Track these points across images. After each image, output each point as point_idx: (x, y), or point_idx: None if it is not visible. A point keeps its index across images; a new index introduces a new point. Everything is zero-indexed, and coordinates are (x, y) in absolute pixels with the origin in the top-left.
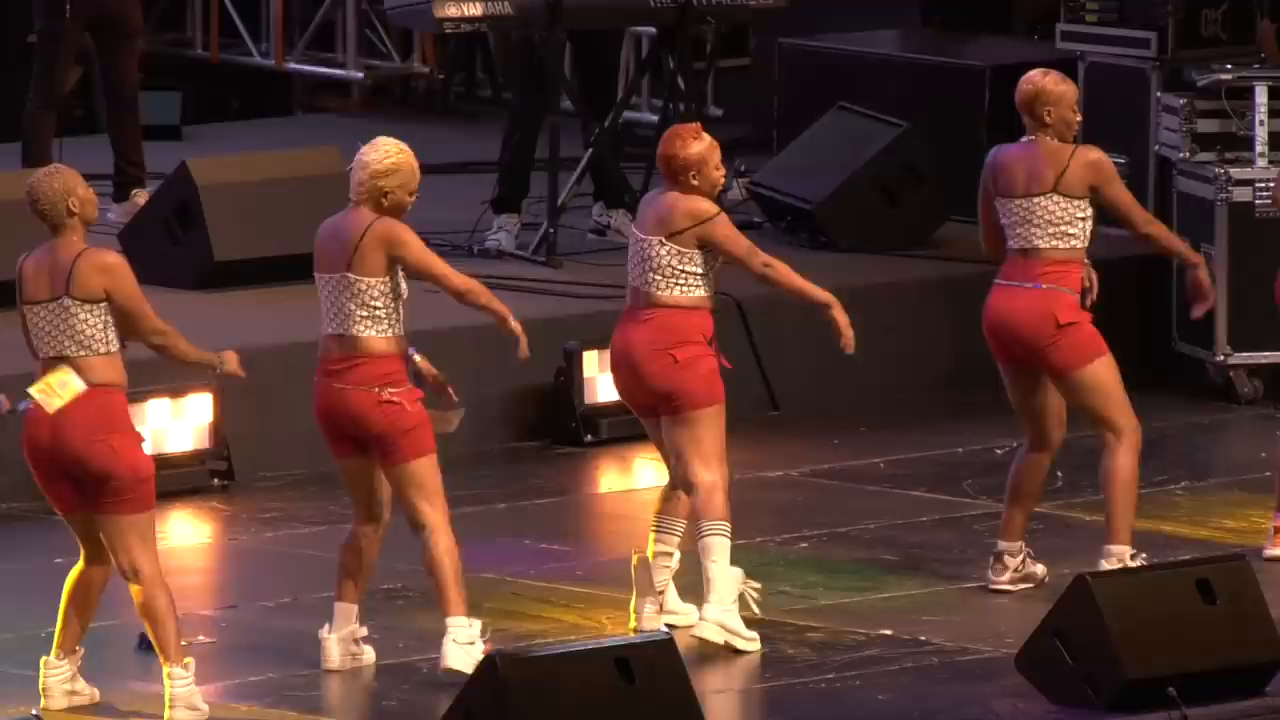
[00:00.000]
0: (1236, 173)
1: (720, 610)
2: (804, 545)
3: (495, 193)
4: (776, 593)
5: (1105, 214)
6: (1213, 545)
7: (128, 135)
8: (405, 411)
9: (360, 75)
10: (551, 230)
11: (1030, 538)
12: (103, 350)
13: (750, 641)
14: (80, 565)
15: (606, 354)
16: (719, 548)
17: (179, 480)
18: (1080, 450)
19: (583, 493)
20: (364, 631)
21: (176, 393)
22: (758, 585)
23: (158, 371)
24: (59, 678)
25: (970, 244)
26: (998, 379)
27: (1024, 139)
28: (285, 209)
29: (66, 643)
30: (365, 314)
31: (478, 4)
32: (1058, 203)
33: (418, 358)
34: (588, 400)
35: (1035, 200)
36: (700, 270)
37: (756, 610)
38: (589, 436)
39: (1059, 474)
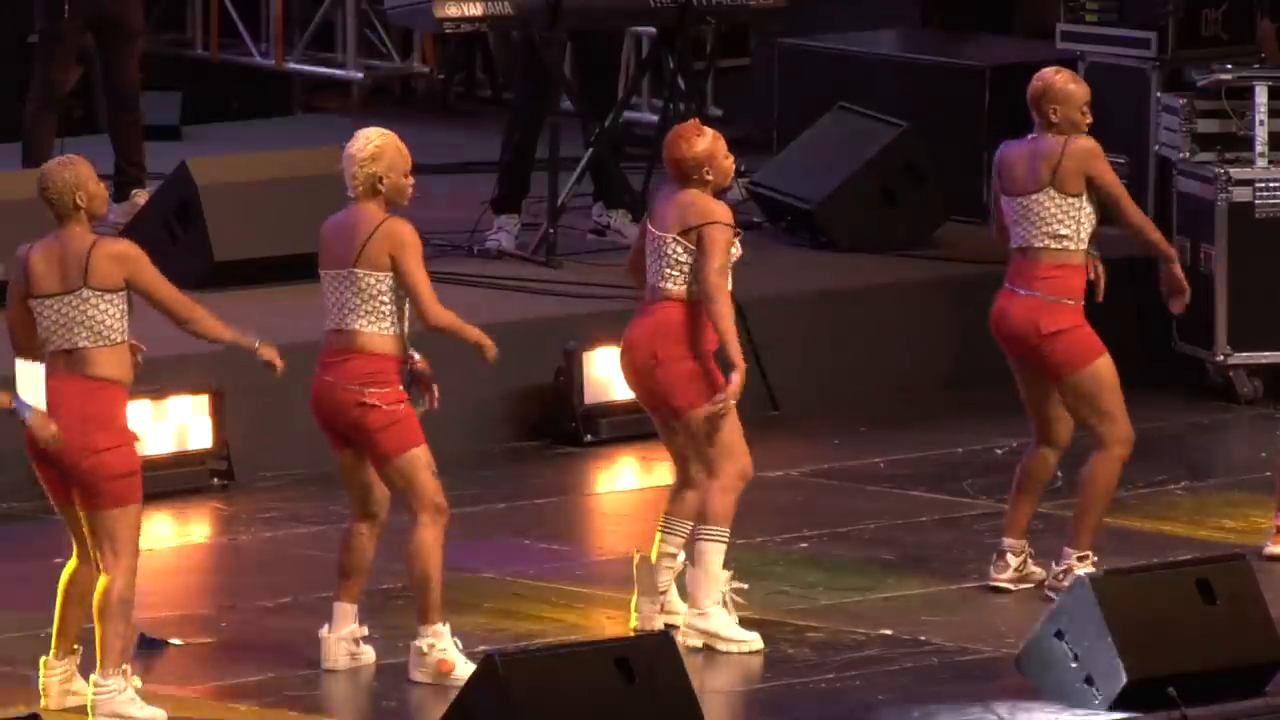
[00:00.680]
0: (1236, 173)
1: (694, 615)
2: (804, 545)
3: (495, 193)
4: (776, 593)
5: (1105, 214)
6: (1213, 545)
7: (128, 135)
8: (379, 411)
9: (360, 75)
10: (551, 230)
11: (1030, 538)
12: (117, 339)
13: (744, 643)
14: (73, 563)
15: (607, 354)
16: (706, 553)
17: (179, 480)
18: (1080, 450)
19: (583, 493)
20: (364, 631)
21: (176, 393)
22: (744, 585)
23: (158, 372)
24: (58, 677)
25: (970, 244)
26: (998, 379)
27: (1030, 135)
28: (285, 209)
29: (64, 642)
30: (369, 309)
31: (478, 4)
32: (1052, 198)
33: (417, 356)
34: (588, 400)
35: (1031, 198)
36: None
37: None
38: (589, 436)
39: (1059, 474)
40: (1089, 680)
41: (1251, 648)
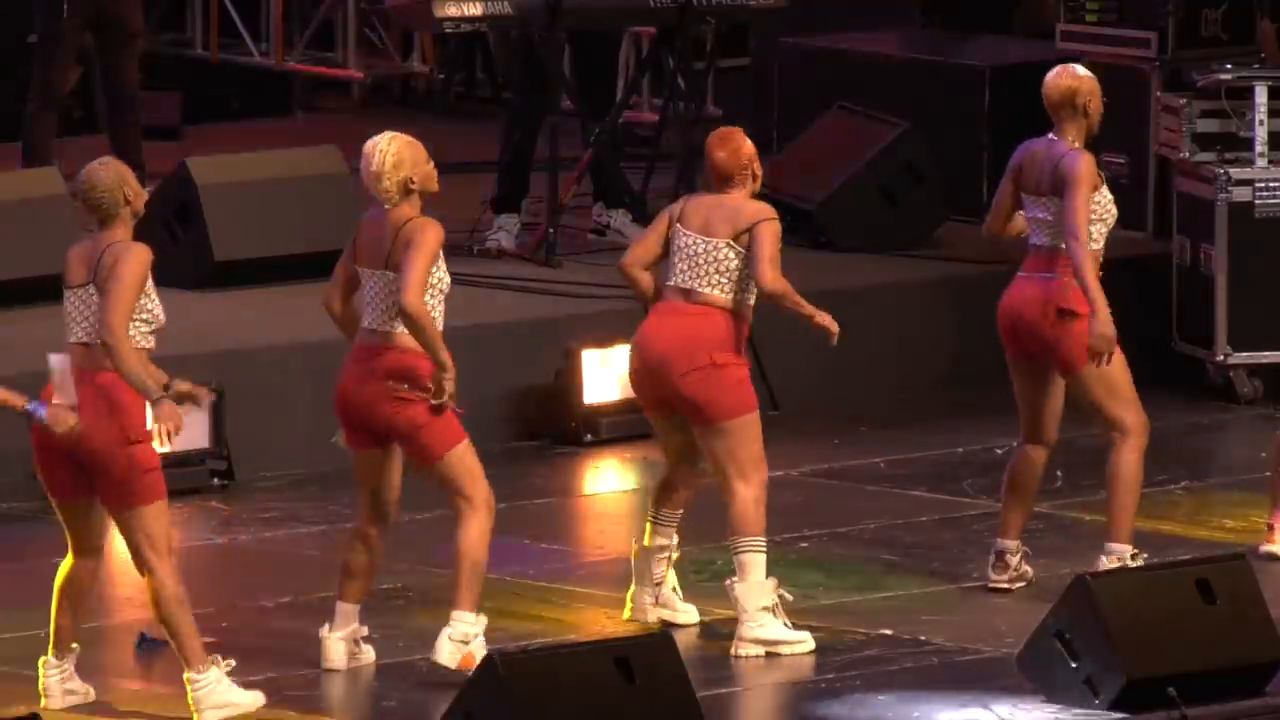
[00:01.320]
0: (1236, 173)
1: (750, 629)
2: (804, 545)
3: (495, 192)
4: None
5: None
6: (1213, 545)
7: (128, 136)
8: (421, 407)
9: (360, 75)
10: (551, 230)
11: (1030, 538)
12: (144, 344)
13: (799, 644)
14: (68, 560)
15: (607, 353)
16: (750, 566)
17: (178, 480)
18: (1080, 450)
19: (583, 493)
20: (365, 631)
21: None
22: (789, 596)
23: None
24: (57, 677)
25: (970, 244)
26: (998, 378)
27: (1050, 135)
28: (285, 209)
29: (62, 641)
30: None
31: (478, 4)
32: (1059, 202)
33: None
34: (588, 400)
35: (1042, 199)
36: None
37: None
38: (589, 436)
39: (1059, 474)
40: (1089, 680)
41: (1251, 648)
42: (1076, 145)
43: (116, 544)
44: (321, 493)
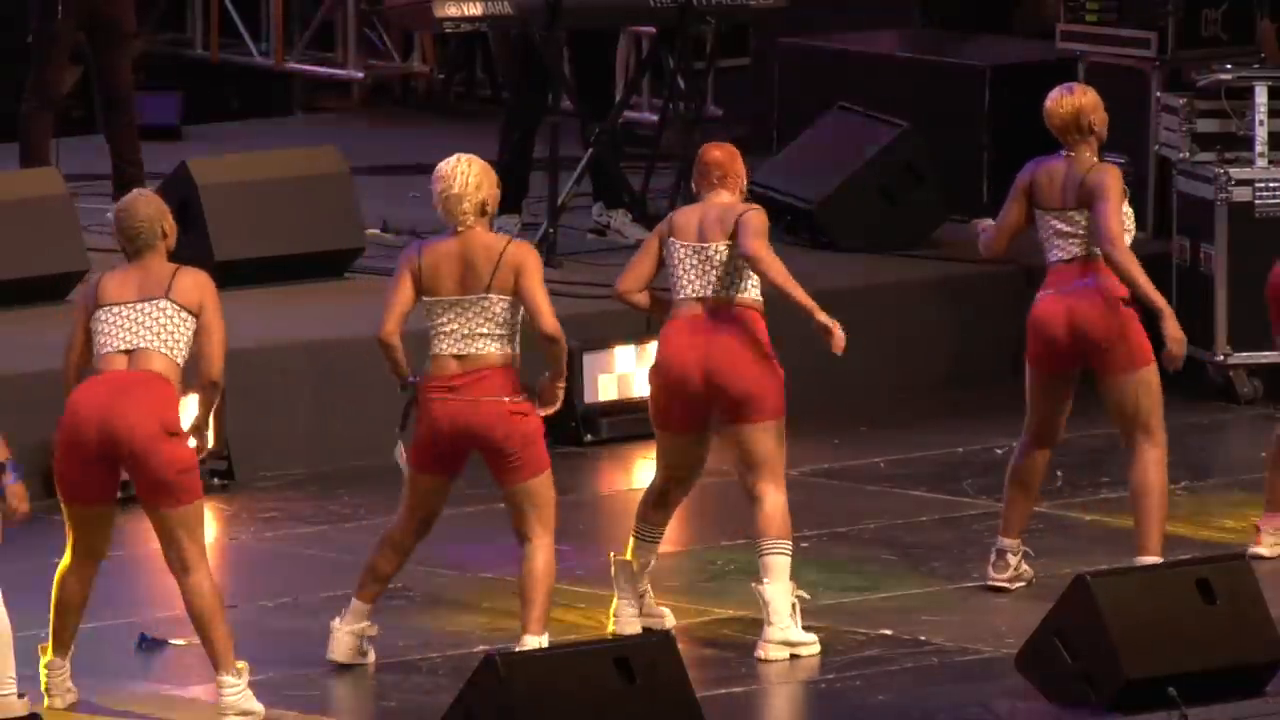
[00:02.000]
0: (1236, 173)
1: (780, 630)
2: (804, 545)
3: None
4: None
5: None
6: (1213, 545)
7: (124, 135)
8: (532, 421)
9: (360, 75)
10: (551, 230)
11: (1030, 538)
12: (177, 357)
13: (810, 645)
14: (66, 562)
15: (607, 353)
16: (779, 568)
17: None
18: (1080, 450)
19: (583, 493)
20: (374, 631)
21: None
22: (806, 595)
23: None
24: (61, 677)
25: (970, 244)
26: (998, 378)
27: (1062, 153)
28: (285, 209)
29: (63, 641)
30: (503, 332)
31: (478, 4)
32: (1087, 216)
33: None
34: (588, 400)
35: (1069, 213)
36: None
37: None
38: (589, 436)
39: (1059, 474)
40: (1089, 680)
41: (1251, 648)
42: (1096, 160)
43: (117, 543)
44: (321, 493)
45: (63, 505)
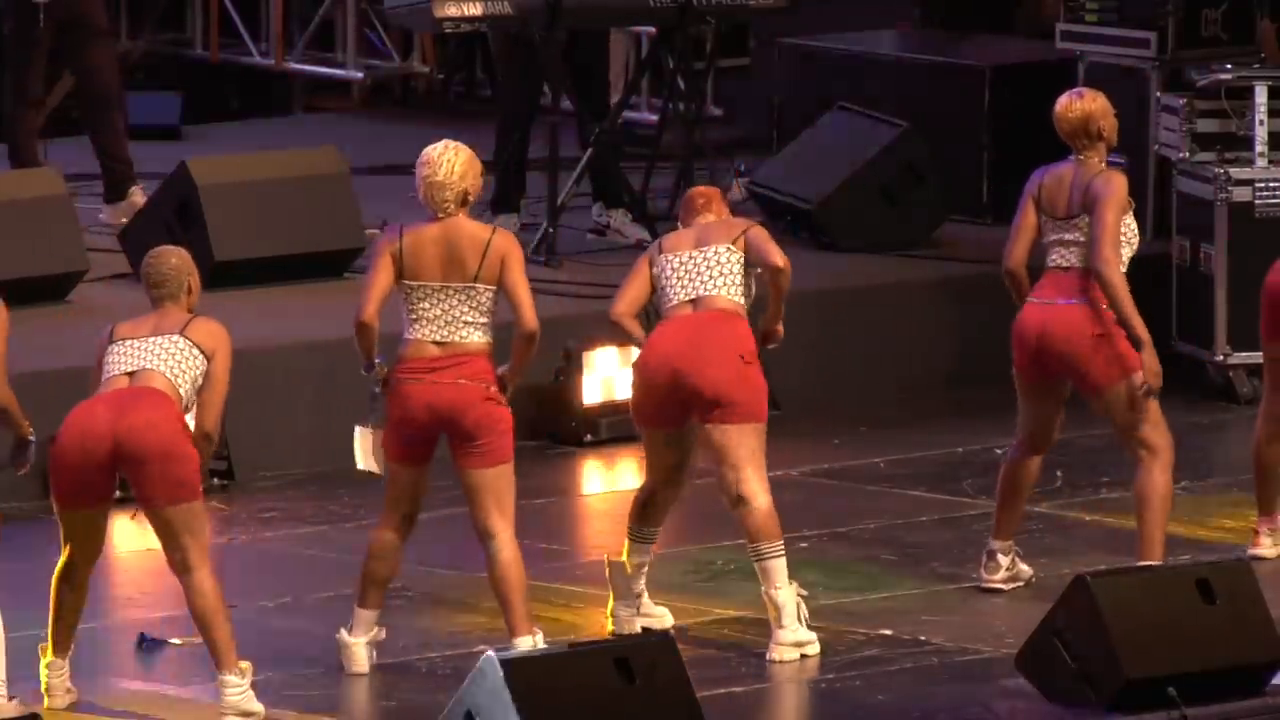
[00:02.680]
0: (1236, 173)
1: (791, 632)
2: (804, 545)
3: (493, 192)
4: None
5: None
6: (1213, 545)
7: (110, 134)
8: (505, 412)
9: (360, 75)
10: (551, 230)
11: (1029, 538)
12: (179, 385)
13: (813, 644)
14: (62, 564)
15: (607, 353)
16: (780, 570)
17: None
18: (1080, 450)
19: (583, 493)
20: (383, 635)
21: None
22: (805, 593)
23: None
24: (60, 677)
25: (970, 244)
26: (998, 378)
27: (1071, 158)
28: (285, 209)
29: (63, 641)
30: (485, 320)
31: (478, 4)
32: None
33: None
34: (588, 400)
35: (1073, 221)
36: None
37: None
38: (589, 436)
39: (1058, 474)
40: (1089, 680)
41: (1251, 648)
42: (1104, 166)
43: (116, 544)
44: (321, 493)
45: (57, 512)
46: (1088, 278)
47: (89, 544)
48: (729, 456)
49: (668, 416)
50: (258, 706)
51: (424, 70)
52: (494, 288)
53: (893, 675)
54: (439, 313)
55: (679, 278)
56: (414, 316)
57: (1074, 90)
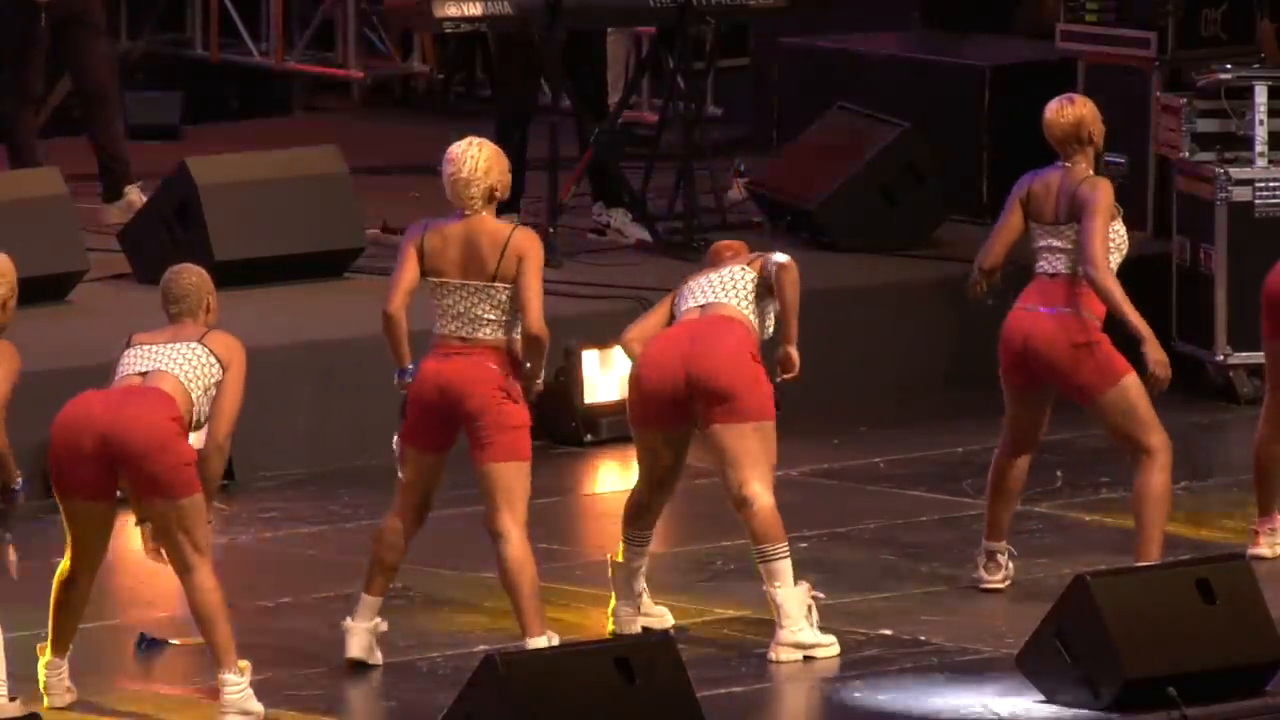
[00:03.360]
0: (1236, 173)
1: (792, 633)
2: (804, 545)
3: None
4: None
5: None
6: (1213, 545)
7: (108, 132)
8: (521, 410)
9: (360, 75)
10: (551, 230)
11: (1030, 537)
12: (191, 389)
13: (828, 647)
14: (65, 564)
15: (607, 353)
16: (784, 571)
17: None
18: (1080, 450)
19: (583, 493)
20: (385, 626)
21: None
22: (821, 595)
23: None
24: (59, 676)
25: (970, 244)
26: (997, 379)
27: (1059, 164)
28: (285, 209)
29: (62, 641)
30: (505, 318)
31: (478, 4)
32: (1079, 231)
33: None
34: (588, 400)
35: (1060, 228)
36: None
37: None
38: (589, 436)
39: (1058, 474)
40: (1089, 680)
41: (1251, 648)
42: (1091, 173)
43: (116, 544)
44: (321, 493)
45: (60, 503)
46: (1075, 285)
47: (91, 543)
48: (731, 456)
49: (667, 417)
50: (257, 706)
51: (424, 70)
52: (512, 286)
53: (893, 675)
54: (461, 309)
55: (691, 294)
56: (439, 312)
57: (1064, 96)
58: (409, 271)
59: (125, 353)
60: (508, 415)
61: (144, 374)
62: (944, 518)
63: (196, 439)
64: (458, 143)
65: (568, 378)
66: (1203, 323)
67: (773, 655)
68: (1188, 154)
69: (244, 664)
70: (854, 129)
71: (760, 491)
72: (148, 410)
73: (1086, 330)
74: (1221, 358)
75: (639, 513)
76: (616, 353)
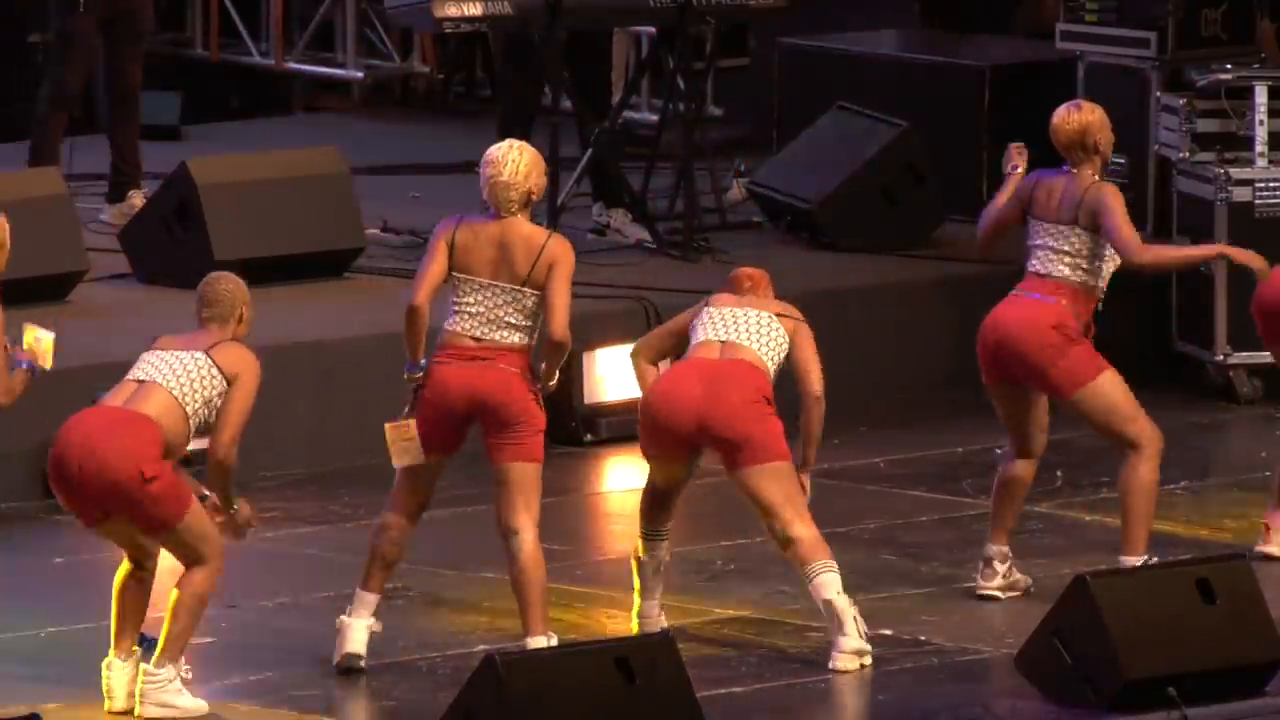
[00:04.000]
0: (1236, 173)
1: (853, 640)
2: None
3: None
4: (776, 592)
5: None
6: (1212, 545)
7: (127, 135)
8: (541, 417)
9: (360, 75)
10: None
11: (1030, 537)
12: (185, 404)
13: (869, 653)
14: (125, 565)
15: (607, 353)
16: (834, 582)
17: None
18: (1080, 450)
19: (583, 493)
20: (379, 628)
21: None
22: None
23: None
24: (123, 679)
25: (970, 244)
26: None
27: (1065, 169)
28: (285, 209)
29: (124, 643)
30: (527, 323)
31: (478, 3)
32: (1079, 235)
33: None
34: (588, 400)
35: (1060, 229)
36: None
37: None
38: (589, 436)
39: (1059, 474)
40: (1089, 680)
41: (1251, 648)
42: (1097, 179)
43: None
44: (321, 493)
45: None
46: (1061, 287)
47: (129, 549)
48: (765, 504)
49: (678, 452)
50: (179, 700)
51: (424, 70)
52: (540, 293)
53: (893, 675)
54: (483, 309)
55: (714, 323)
56: (457, 309)
57: (1071, 102)
58: (437, 265)
59: (142, 355)
60: (534, 418)
61: (140, 383)
62: (944, 518)
63: (200, 443)
64: (498, 145)
65: (567, 378)
66: (1203, 323)
67: (836, 665)
68: (1188, 154)
69: (186, 668)
70: (854, 129)
71: (802, 529)
72: (115, 454)
73: (1063, 325)
74: (1221, 358)
75: (655, 510)
76: (617, 353)
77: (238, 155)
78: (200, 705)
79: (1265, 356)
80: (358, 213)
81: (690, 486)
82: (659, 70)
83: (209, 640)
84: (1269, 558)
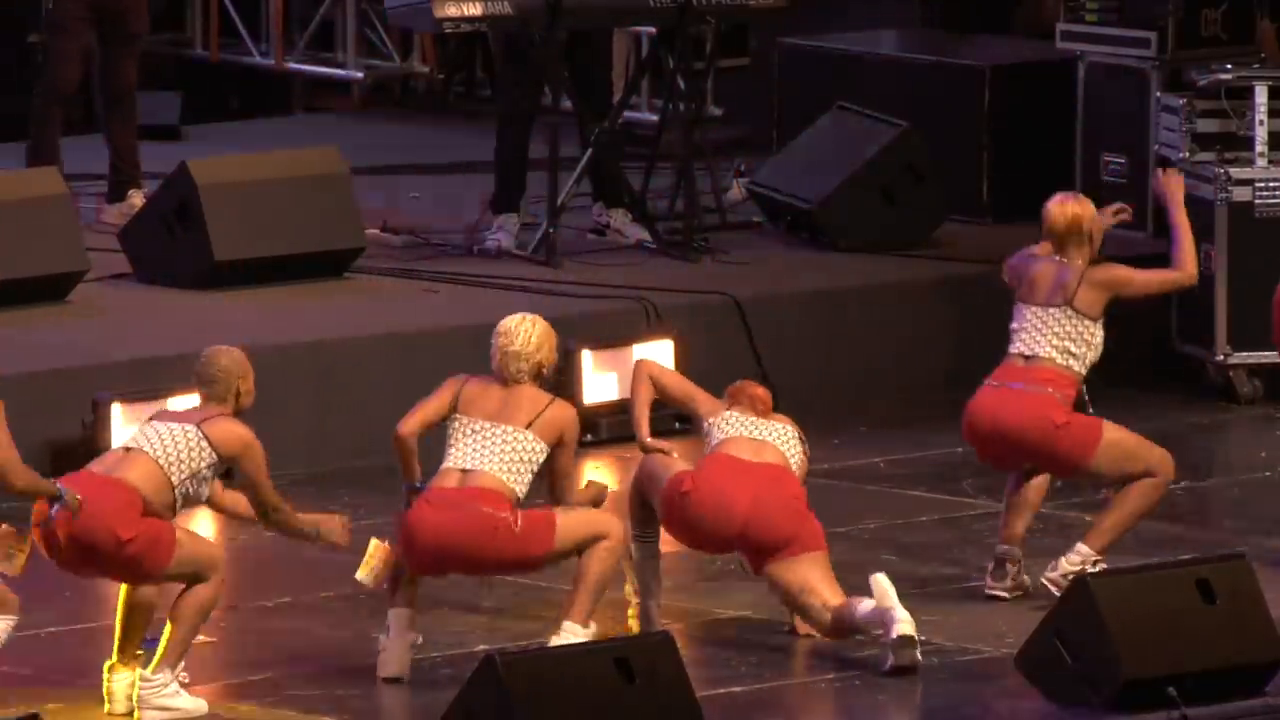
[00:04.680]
0: (1236, 173)
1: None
2: None
3: (493, 193)
4: None
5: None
6: (1213, 545)
7: (124, 135)
8: (513, 539)
9: (360, 75)
10: (551, 230)
11: (1030, 537)
12: (171, 473)
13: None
14: None
15: (607, 354)
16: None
17: None
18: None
19: None
20: (420, 640)
21: (176, 392)
22: None
23: (158, 371)
24: (123, 684)
25: (970, 244)
26: None
27: (1055, 257)
28: (285, 209)
29: (128, 648)
30: (523, 470)
31: (477, 4)
32: (1070, 317)
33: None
34: (588, 400)
35: (1049, 311)
36: None
37: None
38: (589, 436)
39: None
40: (1089, 680)
41: (1251, 648)
42: (1087, 264)
43: None
44: (321, 493)
45: None
46: (1048, 373)
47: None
48: (808, 584)
49: (712, 550)
50: (178, 703)
51: (424, 70)
52: (543, 444)
53: (893, 675)
54: (477, 445)
55: (743, 424)
56: (451, 448)
57: (1066, 193)
58: (437, 404)
59: (140, 425)
60: (518, 540)
61: (127, 450)
62: (944, 518)
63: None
64: (511, 316)
65: (567, 378)
66: (1203, 323)
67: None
68: (1188, 154)
69: (184, 675)
70: (854, 129)
71: (835, 600)
72: (91, 520)
73: (1062, 411)
74: (1221, 358)
75: (648, 511)
76: (616, 353)
77: (238, 155)
78: (200, 704)
79: (1265, 356)
80: (358, 213)
81: None
82: (659, 70)
83: (209, 640)
84: None
